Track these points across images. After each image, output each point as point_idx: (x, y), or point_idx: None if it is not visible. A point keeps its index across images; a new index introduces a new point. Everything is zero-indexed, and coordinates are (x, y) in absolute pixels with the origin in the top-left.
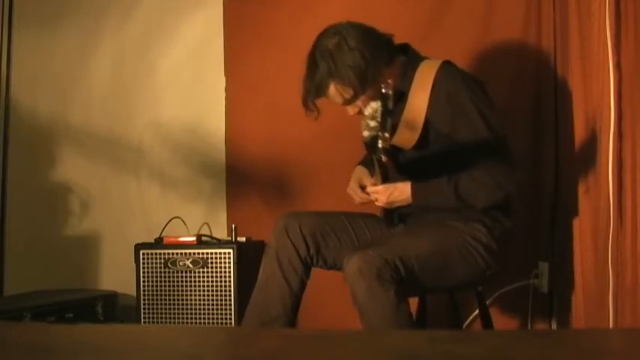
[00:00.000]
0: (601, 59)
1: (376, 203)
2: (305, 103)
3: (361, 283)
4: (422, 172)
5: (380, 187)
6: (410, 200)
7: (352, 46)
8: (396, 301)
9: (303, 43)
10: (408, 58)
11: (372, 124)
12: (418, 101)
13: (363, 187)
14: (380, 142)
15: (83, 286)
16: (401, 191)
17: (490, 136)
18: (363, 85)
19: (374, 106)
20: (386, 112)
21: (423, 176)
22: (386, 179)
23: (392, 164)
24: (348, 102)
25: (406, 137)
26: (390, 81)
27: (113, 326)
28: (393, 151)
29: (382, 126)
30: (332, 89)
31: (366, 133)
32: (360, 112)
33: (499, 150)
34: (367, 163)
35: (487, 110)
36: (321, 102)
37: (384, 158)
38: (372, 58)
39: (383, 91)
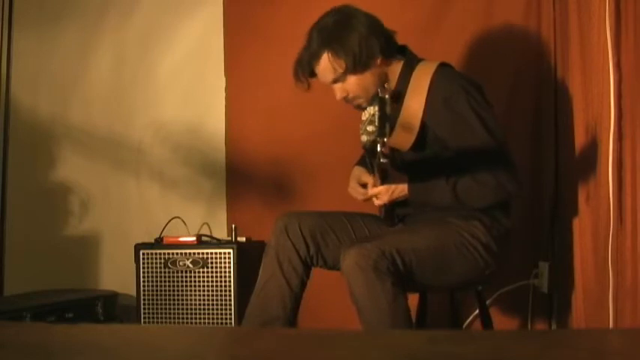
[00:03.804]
0: (601, 59)
1: (376, 202)
2: (296, 73)
3: (358, 275)
4: (421, 173)
5: (381, 188)
6: (408, 197)
7: (353, 24)
8: (393, 293)
9: (303, 43)
10: (405, 59)
11: (370, 128)
12: (414, 104)
13: (363, 185)
14: (379, 146)
15: (83, 286)
16: (402, 190)
17: (489, 138)
18: (356, 62)
19: (371, 111)
20: (383, 117)
21: (422, 177)
22: (385, 179)
23: (390, 166)
24: (338, 79)
25: (402, 139)
26: (386, 85)
27: (113, 326)
28: (391, 152)
29: (380, 131)
30: (324, 60)
31: (364, 138)
32: (347, 99)
33: (499, 152)
34: (365, 163)
35: (485, 113)
36: (320, 101)
37: (383, 161)
38: (370, 41)
39: (380, 95)
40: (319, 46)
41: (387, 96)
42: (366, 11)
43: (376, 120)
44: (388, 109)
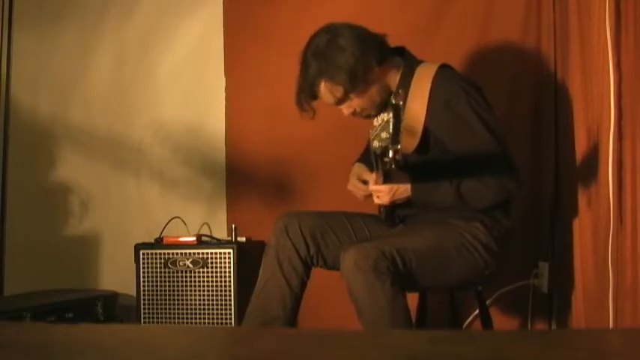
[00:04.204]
0: (601, 59)
1: (376, 201)
2: (298, 103)
3: (358, 275)
4: (424, 175)
5: (383, 187)
6: (410, 197)
7: (342, 45)
8: (393, 293)
9: (303, 43)
10: (404, 61)
11: (383, 135)
12: (416, 106)
13: (363, 182)
14: (391, 152)
15: (83, 286)
16: (404, 190)
17: (491, 139)
18: (353, 83)
19: (385, 118)
20: (397, 124)
21: (425, 178)
22: (387, 179)
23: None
24: (340, 101)
25: (405, 142)
26: (400, 91)
27: (113, 326)
28: (402, 158)
29: (394, 138)
30: (322, 88)
31: (376, 144)
32: (355, 113)
33: (500, 153)
34: (365, 160)
35: (486, 114)
36: (318, 102)
37: (393, 166)
38: (362, 57)
39: (394, 102)
40: (315, 75)
41: (400, 103)
42: (351, 24)
43: (390, 127)
44: (402, 116)
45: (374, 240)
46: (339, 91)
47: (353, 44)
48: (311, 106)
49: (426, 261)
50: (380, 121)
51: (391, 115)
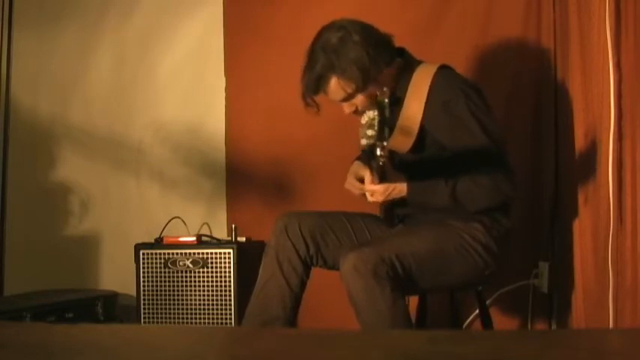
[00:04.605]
0: (601, 59)
1: (370, 199)
2: (304, 97)
3: (357, 280)
4: (419, 175)
5: (378, 186)
6: (406, 197)
7: (356, 42)
8: (393, 298)
9: (303, 43)
10: (404, 61)
11: (370, 132)
12: (414, 107)
13: (361, 180)
14: (378, 150)
15: (83, 286)
16: (399, 190)
17: (488, 142)
18: (365, 81)
19: (371, 115)
20: (383, 121)
21: (421, 178)
22: (383, 179)
23: (389, 166)
24: (347, 98)
25: (401, 142)
26: (385, 89)
27: (113, 326)
28: (390, 155)
29: (379, 135)
30: (333, 83)
31: (363, 142)
32: (357, 112)
33: (497, 156)
34: (364, 160)
35: (484, 117)
36: (322, 101)
37: (381, 163)
38: (375, 56)
39: (379, 99)
40: (326, 69)
41: (386, 100)
42: (361, 21)
43: (375, 124)
44: (387, 113)
45: (373, 243)
46: (351, 88)
47: (366, 42)
48: (315, 101)
49: (425, 264)
50: (366, 119)
51: (376, 112)
